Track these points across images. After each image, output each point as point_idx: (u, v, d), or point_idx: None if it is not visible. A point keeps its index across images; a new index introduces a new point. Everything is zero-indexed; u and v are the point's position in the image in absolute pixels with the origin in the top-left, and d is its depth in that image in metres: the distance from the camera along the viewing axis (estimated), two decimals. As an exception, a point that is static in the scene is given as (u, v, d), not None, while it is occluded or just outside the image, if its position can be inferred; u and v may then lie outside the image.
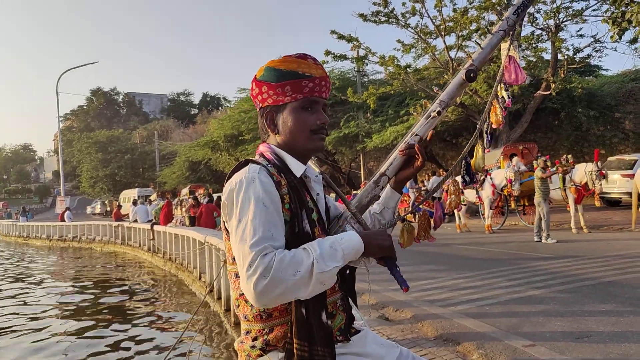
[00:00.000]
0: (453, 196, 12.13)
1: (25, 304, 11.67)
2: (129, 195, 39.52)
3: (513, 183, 13.40)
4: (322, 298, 1.39)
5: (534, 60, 19.18)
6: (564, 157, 12.46)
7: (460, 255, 9.97)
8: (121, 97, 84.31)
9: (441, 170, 24.17)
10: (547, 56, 18.54)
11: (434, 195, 18.43)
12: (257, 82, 1.51)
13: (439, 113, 1.65)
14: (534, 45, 18.76)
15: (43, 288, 13.99)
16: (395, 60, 18.63)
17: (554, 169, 11.57)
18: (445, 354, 4.41)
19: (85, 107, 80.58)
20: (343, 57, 20.35)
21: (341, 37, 19.12)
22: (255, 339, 1.42)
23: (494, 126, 2.03)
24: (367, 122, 24.20)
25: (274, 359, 1.40)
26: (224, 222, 1.45)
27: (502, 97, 1.83)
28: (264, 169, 1.41)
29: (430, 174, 20.16)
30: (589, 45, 18.29)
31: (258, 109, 1.55)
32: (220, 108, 71.28)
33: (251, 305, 1.41)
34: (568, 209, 12.07)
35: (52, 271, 17.73)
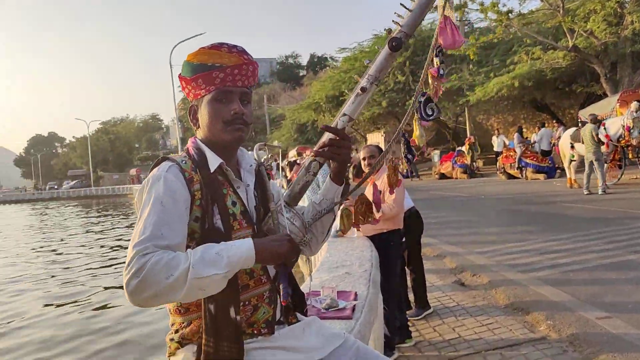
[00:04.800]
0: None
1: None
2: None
3: (632, 131, 12.07)
4: (232, 294, 1.37)
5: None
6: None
7: (562, 215, 9.31)
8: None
9: (554, 121, 22.35)
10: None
11: (544, 148, 17.26)
12: (180, 77, 1.52)
13: (362, 89, 1.55)
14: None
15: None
16: (496, 5, 17.28)
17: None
18: (512, 323, 4.25)
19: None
20: (435, 8, 19.27)
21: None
22: (176, 331, 1.46)
23: (432, 96, 1.88)
24: (470, 74, 22.95)
25: (189, 352, 1.42)
26: None
27: (436, 65, 1.67)
28: (175, 166, 1.41)
29: (539, 127, 18.80)
30: None
31: None
32: (327, 68, 71.53)
33: None
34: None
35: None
